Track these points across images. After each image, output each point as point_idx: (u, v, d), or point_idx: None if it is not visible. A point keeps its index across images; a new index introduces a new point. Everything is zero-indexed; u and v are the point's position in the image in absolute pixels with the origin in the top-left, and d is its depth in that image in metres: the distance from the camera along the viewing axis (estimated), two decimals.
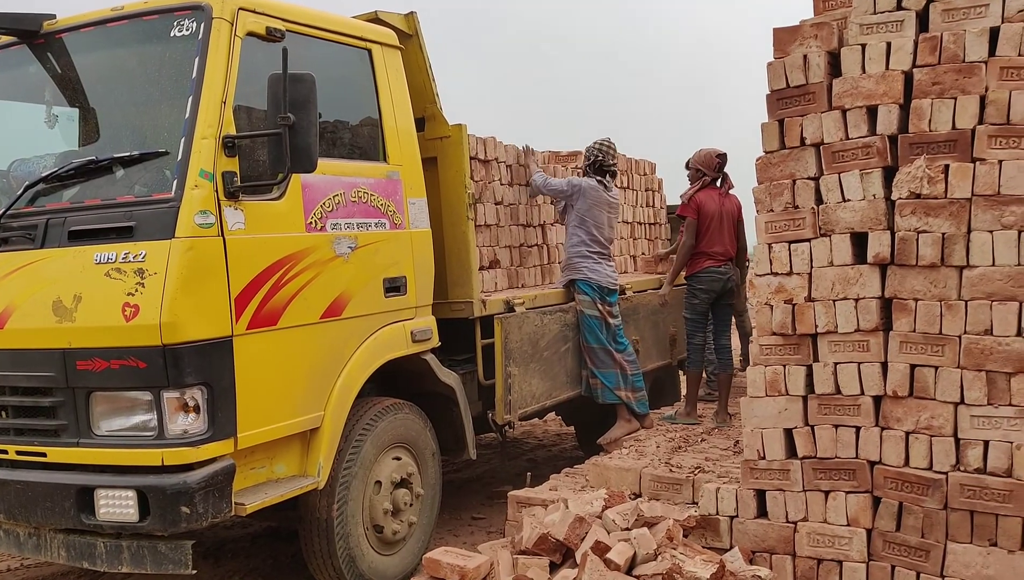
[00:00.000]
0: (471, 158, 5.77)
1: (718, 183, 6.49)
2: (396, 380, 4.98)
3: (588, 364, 6.10)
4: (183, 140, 3.67)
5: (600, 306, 6.07)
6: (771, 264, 4.42)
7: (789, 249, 4.37)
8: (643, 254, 8.37)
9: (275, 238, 3.96)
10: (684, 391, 7.02)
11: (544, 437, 8.62)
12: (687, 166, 6.74)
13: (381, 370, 4.61)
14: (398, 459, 4.72)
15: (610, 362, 6.01)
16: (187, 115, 3.69)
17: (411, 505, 4.77)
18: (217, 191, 3.69)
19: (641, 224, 8.42)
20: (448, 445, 5.21)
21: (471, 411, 5.30)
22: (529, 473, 5.46)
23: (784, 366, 4.37)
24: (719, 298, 6.30)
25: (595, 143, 6.34)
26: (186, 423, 3.58)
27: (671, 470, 4.96)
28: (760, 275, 4.47)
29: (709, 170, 6.40)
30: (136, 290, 3.50)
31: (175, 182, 3.63)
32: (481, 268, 5.93)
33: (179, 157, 3.66)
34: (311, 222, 4.15)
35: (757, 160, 4.56)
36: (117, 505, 3.52)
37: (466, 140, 5.27)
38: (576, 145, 7.87)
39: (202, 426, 3.60)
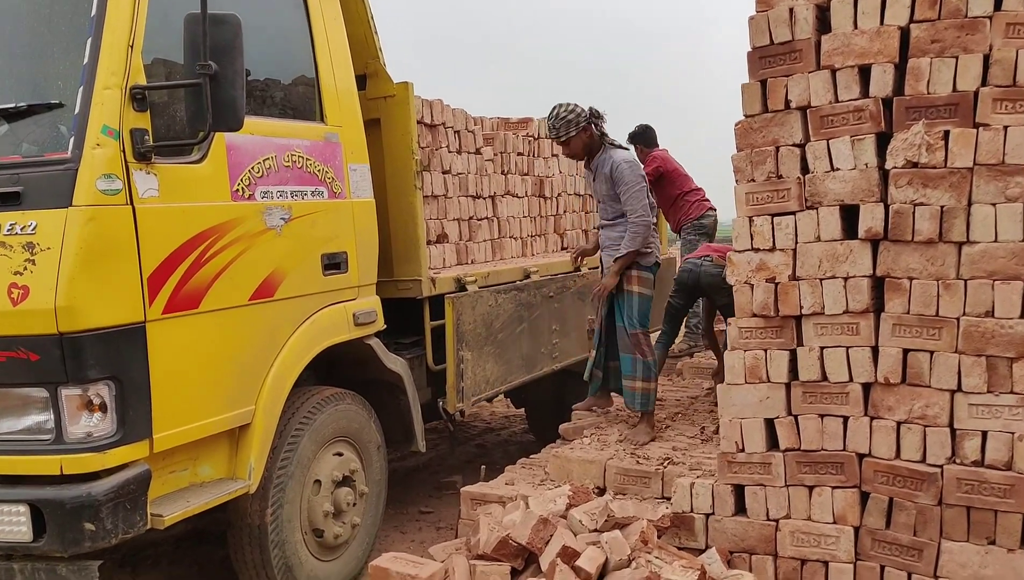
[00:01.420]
0: (417, 123, 5.26)
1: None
2: (337, 367, 4.49)
3: (634, 354, 4.97)
4: (81, 90, 3.10)
5: None
6: (752, 239, 4.04)
7: (772, 223, 3.99)
8: (594, 228, 7.94)
9: (195, 208, 3.42)
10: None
11: (492, 420, 8.20)
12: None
13: (320, 357, 4.12)
14: (340, 455, 4.24)
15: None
16: (86, 60, 3.12)
17: (354, 505, 4.30)
18: (124, 151, 3.14)
19: (571, 195, 7.94)
20: (395, 436, 4.75)
21: (420, 399, 4.84)
22: (483, 466, 5.03)
23: (765, 351, 4.01)
24: (704, 293, 5.92)
25: (580, 110, 4.87)
26: (90, 424, 3.04)
27: (638, 461, 4.57)
28: (739, 251, 4.08)
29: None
30: (25, 268, 2.94)
31: (72, 140, 3.06)
32: (429, 242, 5.45)
33: (76, 110, 3.10)
34: (238, 189, 3.61)
35: (736, 124, 4.16)
36: (6, 522, 2.98)
37: (412, 100, 4.76)
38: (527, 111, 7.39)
39: (109, 427, 3.07)
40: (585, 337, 6.27)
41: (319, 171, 4.06)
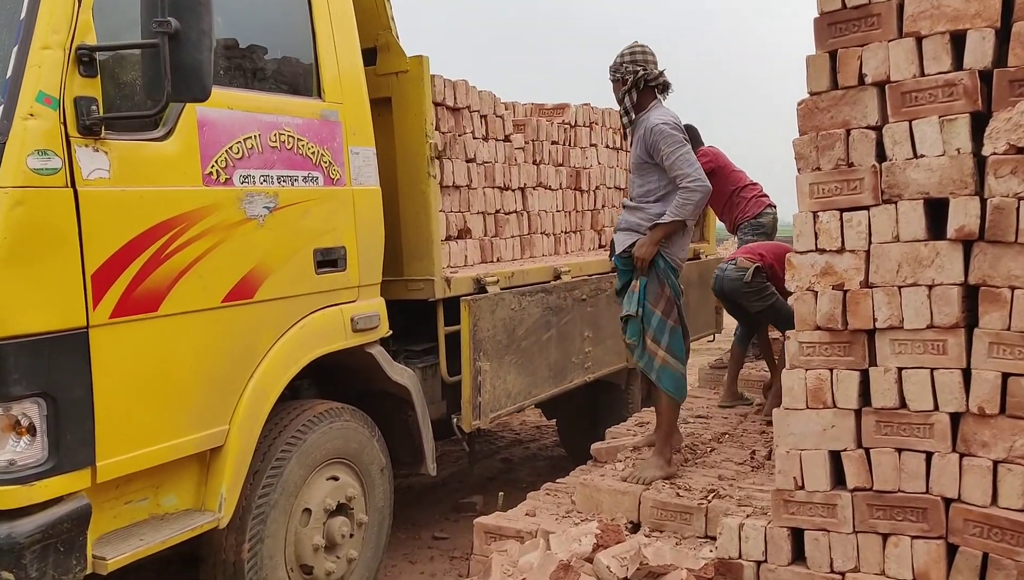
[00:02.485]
0: (437, 105, 4.72)
1: None
2: (334, 377, 3.96)
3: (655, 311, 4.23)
4: (15, 49, 2.60)
5: None
6: (816, 238, 3.43)
7: (841, 219, 3.38)
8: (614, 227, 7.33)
9: (157, 193, 2.91)
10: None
11: (521, 430, 7.64)
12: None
13: (315, 365, 3.59)
14: (335, 479, 3.71)
15: None
16: (23, 14, 2.62)
17: (351, 537, 3.76)
18: (65, 124, 2.63)
19: (612, 188, 7.35)
20: (402, 457, 4.21)
21: (432, 414, 4.29)
22: (501, 493, 4.47)
23: (831, 371, 3.40)
24: (734, 301, 5.37)
25: (627, 54, 4.21)
26: (14, 451, 2.54)
27: (678, 494, 3.98)
28: (801, 253, 3.47)
29: None
30: None
31: (0, 108, 2.56)
32: (448, 238, 4.91)
33: (8, 73, 2.59)
34: (211, 173, 3.09)
35: (800, 104, 3.55)
36: None
37: (427, 76, 4.20)
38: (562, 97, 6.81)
39: (39, 454, 2.57)
40: (622, 345, 5.67)
41: (313, 153, 3.53)
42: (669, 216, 4.08)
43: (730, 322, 7.96)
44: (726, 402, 5.80)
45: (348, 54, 3.79)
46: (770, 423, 5.30)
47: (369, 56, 4.20)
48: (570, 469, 6.59)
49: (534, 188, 5.92)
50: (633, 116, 4.16)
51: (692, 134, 6.75)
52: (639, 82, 4.12)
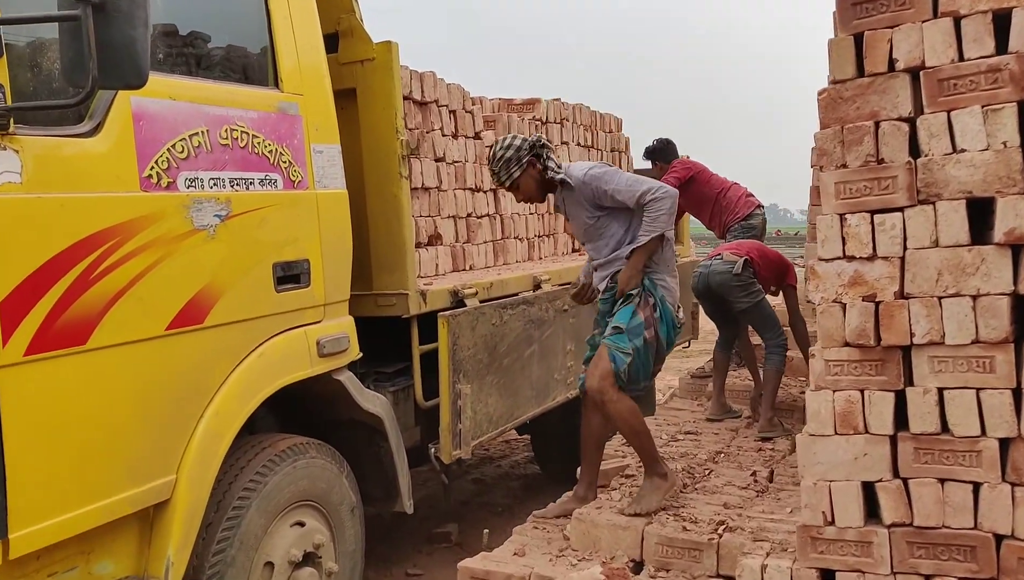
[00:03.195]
0: (404, 99, 4.26)
1: None
2: (298, 407, 3.48)
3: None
4: None
5: None
6: (844, 244, 3.06)
7: (872, 222, 3.01)
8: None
9: (83, 200, 2.42)
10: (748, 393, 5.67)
11: (491, 447, 7.19)
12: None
13: (277, 395, 3.11)
14: (300, 525, 3.24)
15: None
16: None
17: None
18: None
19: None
20: (374, 493, 3.75)
21: (405, 442, 3.84)
22: (486, 531, 4.02)
23: (862, 392, 3.03)
24: (719, 299, 5.07)
25: (519, 144, 3.81)
26: None
27: (684, 527, 3.58)
28: (826, 260, 3.09)
29: None
30: None
31: None
32: (418, 245, 4.45)
33: None
34: (151, 176, 2.60)
35: (821, 94, 3.18)
36: None
37: (397, 63, 3.74)
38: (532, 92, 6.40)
39: None
40: None
41: (270, 152, 3.05)
42: (644, 235, 3.75)
43: (706, 328, 7.63)
44: (715, 415, 5.44)
45: (308, 39, 3.32)
46: (764, 440, 4.96)
47: (330, 43, 3.73)
48: (546, 489, 6.21)
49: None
50: (557, 179, 3.83)
51: (670, 150, 6.43)
52: (541, 151, 3.81)
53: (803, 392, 5.77)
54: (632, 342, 3.69)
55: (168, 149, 2.65)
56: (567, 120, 6.36)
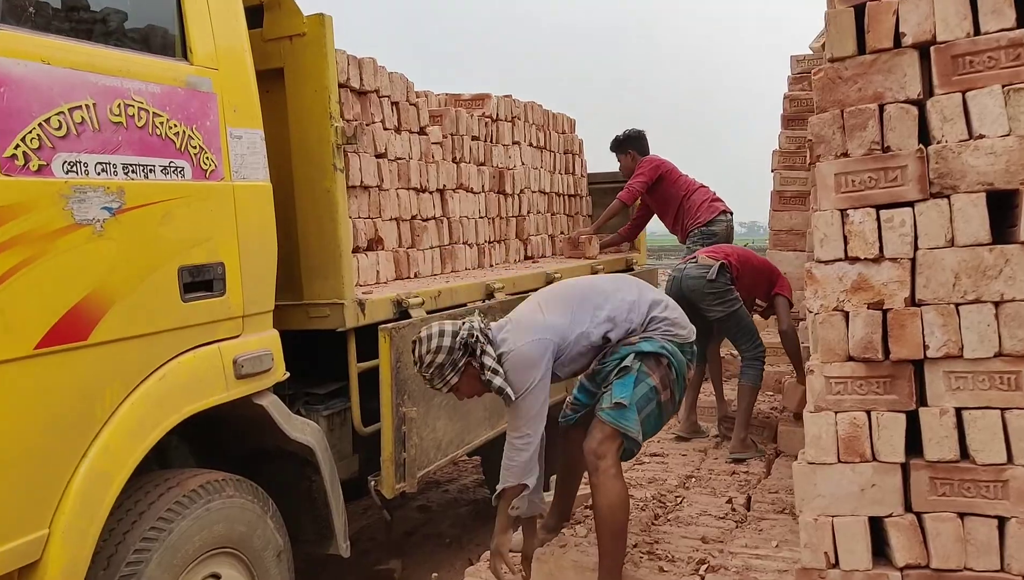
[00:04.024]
0: (340, 86, 3.79)
1: None
2: (212, 434, 2.97)
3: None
4: None
5: None
6: (846, 244, 2.68)
7: (878, 219, 2.64)
8: (562, 233, 6.56)
9: None
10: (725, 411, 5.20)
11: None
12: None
13: (191, 421, 2.61)
14: (215, 578, 2.72)
15: None
16: None
17: None
18: None
19: (560, 195, 6.61)
20: (305, 533, 3.25)
21: (341, 473, 3.35)
22: (435, 576, 3.53)
23: (868, 414, 2.65)
24: (692, 305, 4.64)
25: (448, 345, 2.99)
26: None
27: (661, 568, 3.15)
28: (826, 262, 2.71)
29: None
30: None
31: None
32: (357, 249, 3.97)
33: None
34: (16, 156, 2.09)
35: (817, 74, 2.80)
36: None
37: (331, 39, 3.27)
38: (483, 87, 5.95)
39: None
40: None
41: (177, 136, 2.55)
42: (499, 488, 3.15)
43: None
44: (684, 433, 5.04)
45: (225, 5, 2.83)
46: (737, 462, 4.57)
47: (255, 17, 3.25)
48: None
49: (455, 190, 5.04)
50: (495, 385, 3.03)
51: (643, 142, 6.05)
52: (476, 346, 3.01)
53: (774, 409, 5.44)
54: (642, 414, 3.07)
55: (40, 124, 2.14)
56: (518, 118, 5.93)
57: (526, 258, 5.97)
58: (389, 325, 3.34)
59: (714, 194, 5.82)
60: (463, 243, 5.11)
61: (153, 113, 2.48)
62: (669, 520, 3.70)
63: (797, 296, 5.10)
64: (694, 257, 4.67)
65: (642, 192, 5.86)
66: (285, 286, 3.18)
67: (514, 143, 5.86)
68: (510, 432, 3.07)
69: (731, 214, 5.79)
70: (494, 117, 5.61)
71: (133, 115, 2.40)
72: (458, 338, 2.98)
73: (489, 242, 5.46)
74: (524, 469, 3.06)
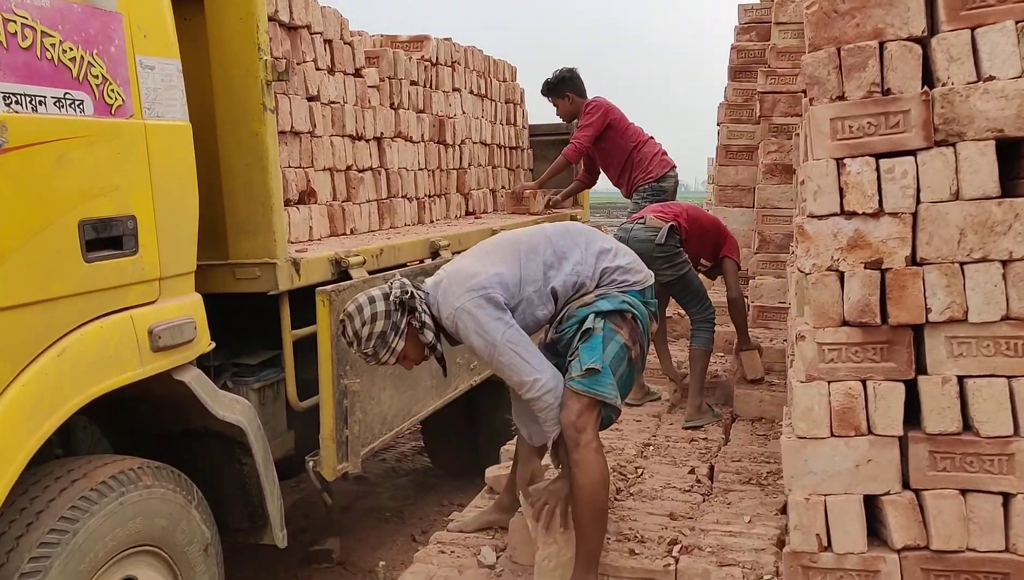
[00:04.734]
0: (268, 20, 3.36)
1: None
2: (128, 413, 2.59)
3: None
4: None
5: None
6: (842, 197, 2.43)
7: (877, 168, 2.40)
8: (503, 188, 6.23)
9: None
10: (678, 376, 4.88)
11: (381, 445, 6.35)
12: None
13: (101, 400, 2.23)
14: None
15: None
16: None
17: None
18: None
19: (501, 147, 6.27)
20: (235, 521, 2.91)
21: (275, 451, 3.01)
22: (382, 563, 3.23)
23: (864, 382, 2.42)
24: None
25: (382, 310, 2.65)
26: None
27: (632, 551, 2.90)
28: (819, 217, 2.45)
29: None
30: None
31: None
32: (286, 203, 3.57)
33: None
34: None
35: (809, 7, 2.52)
36: None
37: None
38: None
39: None
40: None
41: (73, 61, 2.14)
42: (538, 441, 2.88)
43: None
44: (634, 400, 4.80)
45: None
46: (694, 429, 4.37)
47: None
48: (440, 486, 5.46)
49: (393, 139, 4.66)
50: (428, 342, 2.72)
51: (579, 83, 5.64)
52: (413, 303, 2.67)
53: (726, 370, 5.25)
54: (616, 375, 2.75)
55: None
56: (459, 64, 5.55)
57: (467, 213, 5.63)
58: (328, 288, 2.97)
59: (662, 148, 5.53)
60: (402, 197, 4.74)
61: (41, 32, 2.05)
62: (632, 494, 3.45)
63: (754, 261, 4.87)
64: (642, 217, 4.37)
65: (589, 146, 5.47)
66: (208, 243, 2.79)
67: (454, 90, 5.48)
68: (517, 390, 2.73)
69: (677, 168, 5.53)
70: (433, 61, 5.22)
71: (15, 33, 1.98)
72: (391, 299, 2.64)
73: (429, 196, 5.10)
74: (554, 416, 2.71)
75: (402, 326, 2.65)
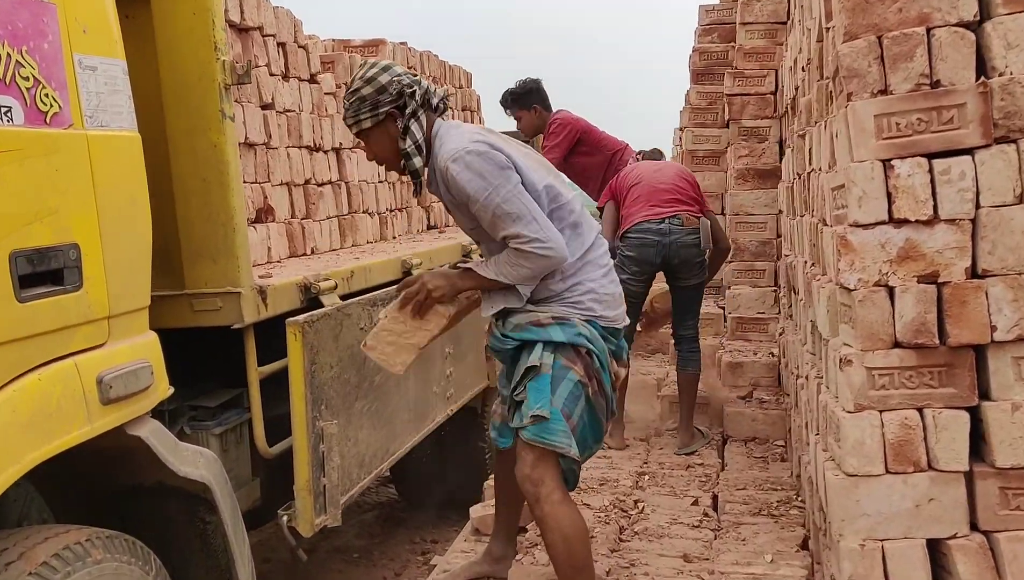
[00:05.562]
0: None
1: None
2: (75, 472, 2.20)
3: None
4: None
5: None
6: (890, 202, 2.16)
7: (930, 170, 2.13)
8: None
9: None
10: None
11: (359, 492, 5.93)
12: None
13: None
14: None
15: None
16: None
17: None
18: None
19: None
20: None
21: (243, 501, 2.64)
22: None
23: (922, 411, 2.14)
24: (672, 271, 4.08)
25: (385, 82, 2.44)
26: None
27: None
28: (865, 226, 2.18)
29: None
30: None
31: None
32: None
33: None
34: None
35: None
36: None
37: None
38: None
39: None
40: (482, 359, 4.23)
41: None
42: (493, 270, 2.45)
43: None
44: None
45: None
46: (688, 454, 4.09)
47: None
48: (409, 521, 5.07)
49: (352, 149, 4.30)
50: (424, 154, 2.48)
51: (543, 93, 5.25)
52: (410, 103, 2.45)
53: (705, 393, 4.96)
54: (573, 419, 2.43)
55: None
56: (414, 69, 5.22)
57: (429, 228, 5.30)
58: (300, 319, 2.60)
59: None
60: (364, 212, 4.39)
61: None
62: (637, 533, 3.16)
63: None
64: (675, 215, 4.01)
65: (561, 165, 5.04)
66: (160, 270, 2.41)
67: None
68: (505, 238, 2.42)
69: None
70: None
71: None
72: (397, 82, 2.43)
73: (391, 210, 4.76)
74: (531, 278, 2.45)
75: (380, 111, 2.41)
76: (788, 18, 5.77)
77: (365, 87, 2.42)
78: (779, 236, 5.54)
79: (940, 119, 2.14)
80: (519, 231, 2.37)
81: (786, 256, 4.12)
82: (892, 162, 2.16)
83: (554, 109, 5.17)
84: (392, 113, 2.43)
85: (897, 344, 2.17)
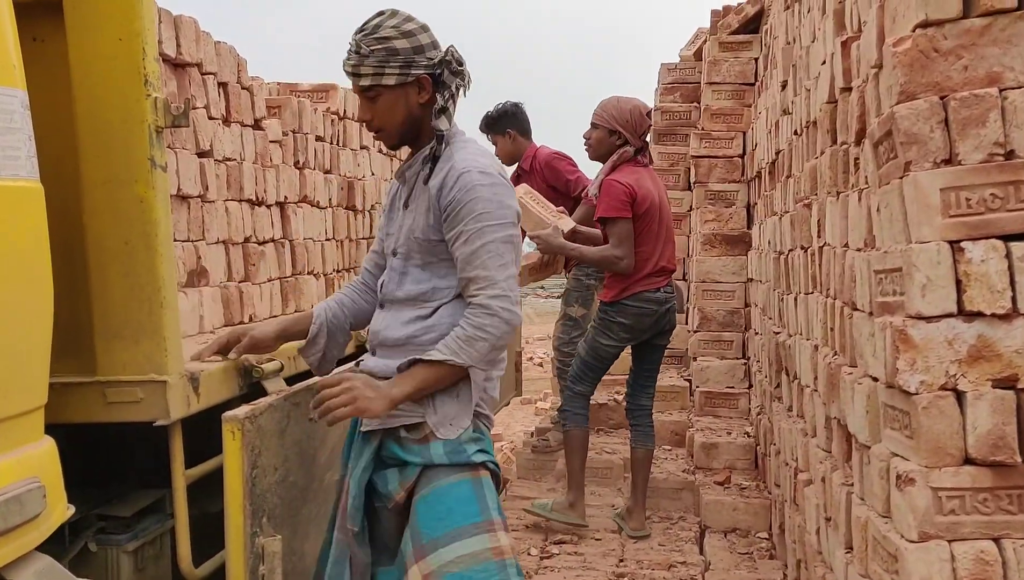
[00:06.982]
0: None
1: (638, 154, 3.88)
2: None
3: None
4: None
5: None
6: (960, 292, 1.81)
7: (1008, 254, 1.80)
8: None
9: None
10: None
11: None
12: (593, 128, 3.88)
13: None
14: None
15: None
16: None
17: None
18: None
19: None
20: None
21: None
22: None
23: (1000, 542, 1.77)
24: (651, 337, 3.76)
25: (421, 41, 2.04)
26: None
27: None
28: (927, 318, 1.83)
29: (634, 135, 3.78)
30: None
31: None
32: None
33: None
34: None
35: (898, 44, 1.93)
36: None
37: None
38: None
39: None
40: None
41: None
42: (444, 352, 2.00)
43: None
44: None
45: None
46: (639, 539, 3.77)
47: None
48: None
49: (298, 204, 3.86)
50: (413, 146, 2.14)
51: (522, 118, 4.83)
52: (451, 80, 2.11)
53: (685, 471, 4.54)
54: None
55: None
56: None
57: None
58: (239, 413, 2.12)
59: None
60: (308, 273, 3.93)
61: None
62: None
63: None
64: (668, 284, 3.79)
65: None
66: (66, 351, 1.94)
67: (362, 147, 4.74)
68: (469, 282, 2.03)
69: None
70: (340, 114, 4.47)
71: None
72: (435, 46, 2.07)
73: (338, 271, 4.30)
74: (489, 352, 2.03)
75: (412, 72, 2.02)
76: (756, 79, 5.58)
77: (401, 40, 2.02)
78: (747, 305, 5.27)
79: (1019, 195, 1.83)
80: (497, 278, 2.00)
81: (774, 332, 3.79)
82: (962, 244, 1.83)
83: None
84: (423, 80, 2.04)
85: (969, 460, 1.82)
